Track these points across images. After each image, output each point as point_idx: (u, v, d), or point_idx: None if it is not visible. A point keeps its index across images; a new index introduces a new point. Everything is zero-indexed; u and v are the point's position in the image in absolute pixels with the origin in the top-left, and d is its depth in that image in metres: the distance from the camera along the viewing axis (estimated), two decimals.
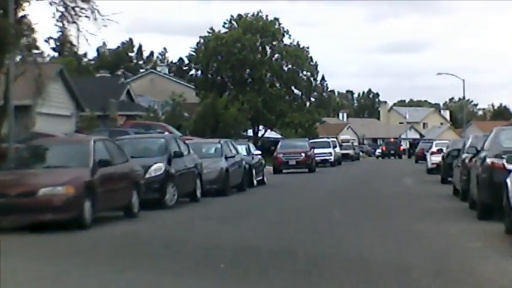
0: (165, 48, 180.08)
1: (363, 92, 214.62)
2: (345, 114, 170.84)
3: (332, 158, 64.99)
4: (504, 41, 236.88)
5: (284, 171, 52.45)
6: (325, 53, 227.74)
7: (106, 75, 78.34)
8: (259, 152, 35.32)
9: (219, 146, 29.00)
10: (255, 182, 33.40)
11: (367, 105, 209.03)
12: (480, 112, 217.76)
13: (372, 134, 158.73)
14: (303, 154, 52.01)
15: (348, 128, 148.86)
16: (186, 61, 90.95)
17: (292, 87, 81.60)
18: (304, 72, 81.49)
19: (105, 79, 72.66)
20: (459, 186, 24.54)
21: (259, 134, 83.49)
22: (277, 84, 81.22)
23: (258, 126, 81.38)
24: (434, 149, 46.53)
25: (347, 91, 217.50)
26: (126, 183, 19.44)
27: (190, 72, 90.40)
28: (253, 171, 33.24)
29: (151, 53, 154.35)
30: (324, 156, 63.89)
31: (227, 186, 27.66)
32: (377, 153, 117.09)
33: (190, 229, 17.98)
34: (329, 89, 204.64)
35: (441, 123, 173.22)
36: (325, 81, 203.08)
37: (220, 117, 69.22)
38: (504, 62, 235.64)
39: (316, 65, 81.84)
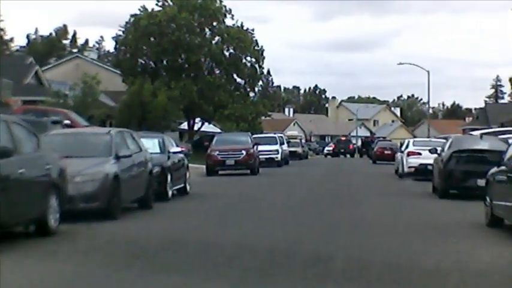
0: (102, 37, 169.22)
1: (309, 88, 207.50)
2: (291, 110, 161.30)
3: (279, 156, 55.10)
4: (452, 42, 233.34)
5: (220, 172, 42.43)
6: (273, 50, 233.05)
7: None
8: (179, 149, 24.72)
9: (107, 138, 18.41)
10: (170, 193, 22.93)
11: (314, 101, 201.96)
12: (430, 111, 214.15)
13: (320, 130, 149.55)
14: (244, 152, 41.76)
15: (294, 124, 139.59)
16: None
17: (234, 75, 71.03)
18: (248, 58, 71.01)
19: (11, 59, 61.50)
20: None
21: (196, 128, 73.03)
22: (217, 71, 70.66)
23: (194, 118, 70.76)
24: (411, 148, 36.59)
25: (293, 87, 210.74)
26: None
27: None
28: (169, 176, 22.78)
29: (86, 41, 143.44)
30: (269, 154, 54.08)
31: (115, 203, 17.10)
32: (326, 152, 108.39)
33: None
34: (275, 84, 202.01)
35: (392, 121, 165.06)
36: (271, 75, 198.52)
37: (147, 106, 58.85)
38: (451, 62, 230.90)
39: (261, 50, 71.40)
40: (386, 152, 66.08)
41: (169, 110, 60.78)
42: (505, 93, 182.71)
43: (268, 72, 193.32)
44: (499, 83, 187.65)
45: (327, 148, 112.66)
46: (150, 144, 23.67)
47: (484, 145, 24.27)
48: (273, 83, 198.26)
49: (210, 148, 42.76)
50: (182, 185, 25.18)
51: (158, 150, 23.71)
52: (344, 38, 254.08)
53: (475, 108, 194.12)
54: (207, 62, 70.23)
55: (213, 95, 67.74)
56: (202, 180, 37.25)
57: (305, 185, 32.98)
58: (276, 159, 54.71)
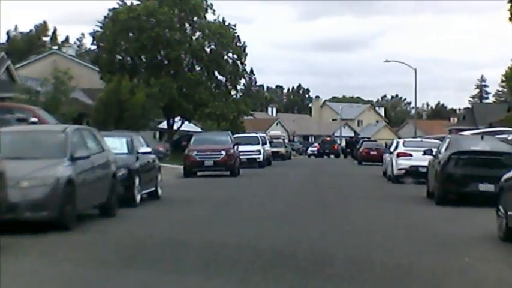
0: (82, 34, 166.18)
1: (293, 88, 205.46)
2: (274, 109, 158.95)
3: (261, 157, 52.83)
4: (436, 42, 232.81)
5: (199, 173, 40.15)
6: (256, 50, 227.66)
7: None
8: (149, 149, 22.28)
9: (62, 137, 16.02)
10: (138, 198, 20.55)
11: (297, 101, 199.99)
12: (414, 111, 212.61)
13: (303, 130, 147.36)
14: (224, 152, 39.44)
15: (277, 124, 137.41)
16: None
17: (215, 72, 68.59)
18: (230, 55, 68.60)
19: None
20: None
21: (176, 127, 70.61)
22: (197, 68, 68.25)
23: (173, 117, 68.32)
24: (402, 149, 34.38)
25: (277, 86, 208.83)
26: None
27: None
28: (137, 179, 20.42)
29: (67, 38, 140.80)
30: (251, 154, 51.93)
31: (68, 212, 14.72)
32: (309, 152, 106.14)
33: None
34: (258, 83, 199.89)
35: (377, 121, 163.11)
36: (254, 74, 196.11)
37: (124, 104, 56.47)
38: (435, 62, 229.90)
39: (244, 47, 68.94)
40: (372, 152, 64.01)
41: (147, 108, 58.40)
42: (490, 93, 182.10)
43: (251, 71, 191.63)
44: (483, 83, 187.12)
45: (310, 148, 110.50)
46: (117, 143, 21.34)
47: (485, 146, 22.07)
48: (256, 82, 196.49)
49: (188, 148, 40.43)
50: (153, 189, 22.83)
51: (126, 151, 21.33)
52: (328, 38, 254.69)
53: (460, 109, 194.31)
54: (187, 58, 67.85)
55: (194, 92, 65.35)
56: (178, 183, 35.00)
57: (288, 188, 30.70)
58: (258, 160, 52.54)
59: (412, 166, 33.12)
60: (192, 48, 66.55)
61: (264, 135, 62.13)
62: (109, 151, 18.28)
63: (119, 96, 57.07)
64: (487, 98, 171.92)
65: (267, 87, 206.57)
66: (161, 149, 51.20)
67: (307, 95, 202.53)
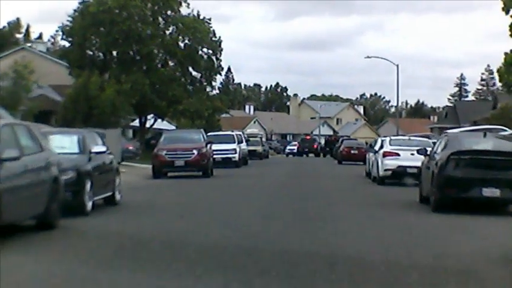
0: (57, 31, 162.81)
1: (271, 86, 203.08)
2: (252, 107, 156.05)
3: (236, 156, 50.07)
4: (414, 41, 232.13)
5: (170, 174, 37.36)
6: (235, 49, 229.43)
7: None
8: (103, 149, 19.27)
9: None
10: (89, 205, 17.63)
11: (275, 99, 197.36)
12: (393, 109, 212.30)
13: (281, 129, 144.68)
14: (195, 151, 36.57)
15: (255, 122, 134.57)
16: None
17: (190, 68, 65.58)
18: (205, 50, 65.62)
19: None
20: None
21: (148, 125, 67.58)
22: (171, 64, 65.25)
23: (146, 114, 65.27)
24: (388, 148, 31.66)
25: (254, 84, 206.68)
26: None
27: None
28: (88, 183, 17.52)
29: (40, 35, 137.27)
30: (226, 153, 49.18)
31: None
32: (288, 151, 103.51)
33: None
34: (235, 82, 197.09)
35: (356, 119, 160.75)
36: (232, 73, 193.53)
37: (93, 101, 53.60)
38: (413, 61, 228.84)
39: (219, 41, 65.96)
40: (353, 151, 61.46)
41: (118, 105, 55.53)
42: (469, 91, 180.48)
43: (229, 69, 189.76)
44: (463, 82, 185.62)
45: (289, 147, 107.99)
46: (66, 142, 18.49)
47: (488, 145, 19.39)
48: (233, 80, 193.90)
49: (157, 147, 37.56)
50: (110, 194, 19.93)
51: (76, 150, 18.43)
52: (306, 37, 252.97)
53: (439, 107, 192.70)
54: (160, 53, 64.81)
55: (167, 89, 62.30)
56: (145, 184, 32.16)
57: (265, 191, 27.86)
58: (234, 159, 49.83)
59: (399, 166, 30.51)
60: (165, 43, 63.50)
61: (240, 133, 59.27)
62: (50, 151, 15.38)
63: (88, 93, 54.32)
64: (467, 96, 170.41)
65: (245, 86, 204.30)
66: (131, 147, 48.31)
67: (285, 93, 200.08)
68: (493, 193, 18.05)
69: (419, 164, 29.95)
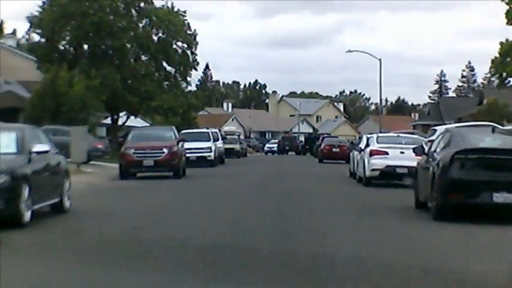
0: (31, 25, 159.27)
1: (249, 83, 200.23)
2: (230, 105, 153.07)
3: (212, 155, 47.29)
4: (393, 39, 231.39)
5: (139, 174, 34.54)
6: (214, 47, 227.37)
7: None
8: (46, 148, 16.29)
9: None
10: (27, 215, 14.69)
11: (254, 96, 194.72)
12: (373, 107, 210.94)
13: (260, 126, 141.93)
14: (166, 150, 33.66)
15: (233, 119, 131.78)
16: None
17: (164, 63, 62.61)
18: (180, 44, 62.66)
19: None
20: None
21: (121, 122, 64.59)
22: (144, 58, 62.25)
23: (118, 112, 62.25)
24: (375, 146, 28.89)
25: (233, 82, 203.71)
26: None
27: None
28: (26, 189, 14.62)
29: (14, 31, 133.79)
30: (200, 152, 46.55)
31: None
32: (266, 149, 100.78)
33: None
34: (214, 79, 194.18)
35: (336, 117, 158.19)
36: (210, 70, 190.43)
37: (61, 98, 50.75)
38: (392, 59, 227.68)
39: (194, 35, 63.01)
40: (334, 149, 58.83)
41: (87, 102, 52.61)
42: (450, 88, 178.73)
43: (207, 66, 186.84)
44: (443, 79, 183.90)
45: (268, 145, 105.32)
46: (2, 140, 15.58)
47: (498, 142, 16.64)
48: (211, 77, 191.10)
49: (125, 145, 34.63)
50: (57, 200, 17.05)
51: (13, 150, 15.53)
52: (285, 35, 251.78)
53: (419, 105, 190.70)
54: (133, 47, 61.80)
55: (139, 85, 59.35)
56: (110, 186, 29.30)
57: (240, 194, 25.06)
58: (209, 158, 47.08)
59: (388, 166, 27.81)
60: (138, 37, 60.53)
61: (216, 130, 56.44)
62: None
63: (56, 89, 51.51)
64: (447, 93, 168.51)
65: (223, 83, 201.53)
66: (100, 146, 45.26)
67: (264, 91, 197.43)
68: (505, 199, 15.37)
69: (409, 163, 27.43)
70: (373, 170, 28.00)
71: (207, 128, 54.41)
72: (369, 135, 34.65)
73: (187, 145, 43.38)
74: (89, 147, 42.87)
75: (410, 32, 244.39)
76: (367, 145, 30.29)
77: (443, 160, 16.15)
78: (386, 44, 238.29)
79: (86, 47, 61.44)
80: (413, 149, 20.54)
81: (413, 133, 42.46)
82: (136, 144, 34.05)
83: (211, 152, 47.34)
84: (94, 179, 31.75)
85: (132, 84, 59.28)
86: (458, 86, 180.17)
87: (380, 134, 31.37)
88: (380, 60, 71.15)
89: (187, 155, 44.12)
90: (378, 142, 29.06)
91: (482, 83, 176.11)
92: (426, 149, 19.05)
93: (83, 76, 54.35)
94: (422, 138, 31.47)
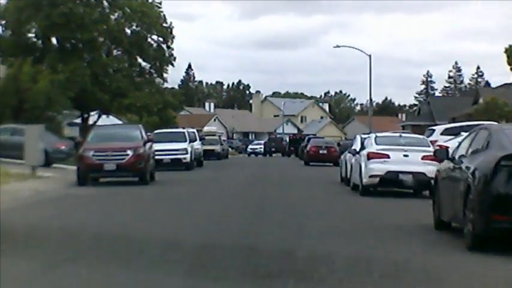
0: None
1: (233, 83, 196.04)
2: (212, 105, 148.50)
3: (188, 157, 42.94)
4: (377, 40, 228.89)
5: (102, 180, 30.29)
6: (199, 48, 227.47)
7: None
8: None
9: None
10: None
11: (237, 97, 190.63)
12: (358, 107, 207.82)
13: (243, 127, 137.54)
14: (130, 152, 29.14)
15: (215, 120, 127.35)
16: None
17: (138, 58, 58.10)
18: (155, 37, 58.18)
19: None
20: None
21: (92, 121, 59.96)
22: (116, 53, 57.73)
23: (88, 110, 57.64)
24: (374, 148, 24.43)
25: (217, 82, 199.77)
26: None
27: None
28: None
29: None
30: (175, 154, 42.48)
31: None
32: (249, 150, 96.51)
33: None
34: (198, 80, 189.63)
35: (321, 117, 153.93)
36: (192, 69, 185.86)
37: (24, 94, 46.50)
38: (377, 60, 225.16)
39: (171, 28, 58.54)
40: (321, 151, 54.54)
41: (53, 99, 48.22)
42: (436, 89, 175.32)
43: (189, 66, 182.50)
44: (430, 79, 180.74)
45: (251, 146, 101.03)
46: None
47: None
48: (194, 77, 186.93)
49: (83, 146, 30.07)
50: None
51: None
52: (270, 36, 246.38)
53: (406, 105, 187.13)
54: (105, 41, 57.24)
55: (111, 81, 54.84)
56: (62, 195, 24.87)
57: (215, 206, 20.67)
58: (184, 161, 42.85)
59: (389, 172, 23.40)
60: (110, 30, 55.95)
61: (194, 130, 52.00)
62: None
63: (19, 84, 47.21)
64: (434, 94, 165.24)
65: (206, 83, 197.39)
66: (63, 147, 40.66)
67: (248, 91, 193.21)
68: None
69: (415, 168, 23.20)
70: (371, 176, 23.57)
71: (183, 128, 50.01)
72: (363, 135, 30.32)
73: (160, 146, 39.95)
74: (50, 148, 38.52)
75: (396, 34, 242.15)
76: (363, 147, 25.91)
77: (482, 168, 11.73)
78: (372, 46, 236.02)
79: (54, 40, 56.80)
80: (435, 152, 16.07)
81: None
82: (96, 146, 29.55)
83: (187, 153, 43.05)
84: (46, 186, 27.29)
85: (103, 80, 54.76)
86: (445, 86, 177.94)
87: (379, 134, 26.70)
88: (370, 56, 67.27)
89: (161, 157, 40.53)
90: (376, 143, 24.60)
91: (469, 84, 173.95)
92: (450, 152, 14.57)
93: (49, 71, 49.88)
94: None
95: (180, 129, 46.86)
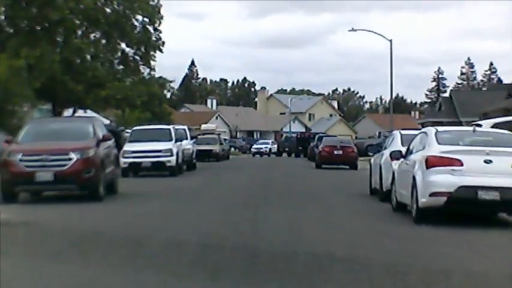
0: None
1: (238, 81, 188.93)
2: (214, 101, 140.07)
3: (173, 159, 34.65)
4: (384, 40, 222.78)
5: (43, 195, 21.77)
6: (207, 47, 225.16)
7: None
8: None
9: None
10: None
11: (242, 95, 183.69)
12: (367, 105, 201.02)
13: (247, 125, 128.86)
14: (74, 155, 20.24)
15: (217, 117, 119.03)
16: None
17: (119, 41, 49.32)
18: (139, 18, 49.38)
19: None
20: None
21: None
22: (93, 35, 48.92)
23: (60, 103, 48.70)
24: (436, 150, 15.42)
25: (221, 79, 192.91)
26: None
27: None
28: None
29: None
30: (156, 157, 34.55)
31: None
32: (254, 150, 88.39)
33: None
34: (199, 76, 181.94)
35: (330, 115, 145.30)
36: (195, 66, 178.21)
37: None
38: (385, 59, 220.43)
39: (158, 6, 49.64)
40: (336, 152, 45.98)
41: (12, 89, 39.74)
42: (448, 86, 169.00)
43: (193, 62, 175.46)
44: (441, 76, 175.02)
45: (255, 146, 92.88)
46: None
47: None
48: (197, 74, 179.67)
49: (10, 148, 21.17)
50: None
51: None
52: (278, 35, 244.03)
53: (417, 103, 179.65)
54: (79, 22, 48.24)
55: (86, 69, 46.08)
56: None
57: (193, 239, 11.98)
58: (168, 164, 34.67)
59: (462, 187, 14.57)
60: (85, 8, 46.92)
61: (184, 127, 43.51)
62: None
63: None
64: (445, 91, 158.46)
65: (211, 80, 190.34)
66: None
67: (253, 89, 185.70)
68: None
69: (505, 182, 14.55)
70: (433, 194, 14.73)
71: (167, 124, 41.31)
72: (405, 132, 21.53)
73: (139, 146, 34.13)
74: None
75: (403, 32, 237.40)
76: (410, 149, 17.10)
77: None
78: (379, 44, 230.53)
79: (17, 20, 47.98)
80: None
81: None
82: (28, 146, 20.73)
83: (171, 155, 34.79)
84: None
85: (76, 68, 45.98)
86: (457, 83, 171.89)
87: (440, 129, 17.22)
88: (391, 41, 59.42)
89: (139, 159, 34.20)
90: (438, 142, 15.71)
91: (482, 80, 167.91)
92: None
93: (7, 55, 41.27)
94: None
95: (164, 126, 38.12)
